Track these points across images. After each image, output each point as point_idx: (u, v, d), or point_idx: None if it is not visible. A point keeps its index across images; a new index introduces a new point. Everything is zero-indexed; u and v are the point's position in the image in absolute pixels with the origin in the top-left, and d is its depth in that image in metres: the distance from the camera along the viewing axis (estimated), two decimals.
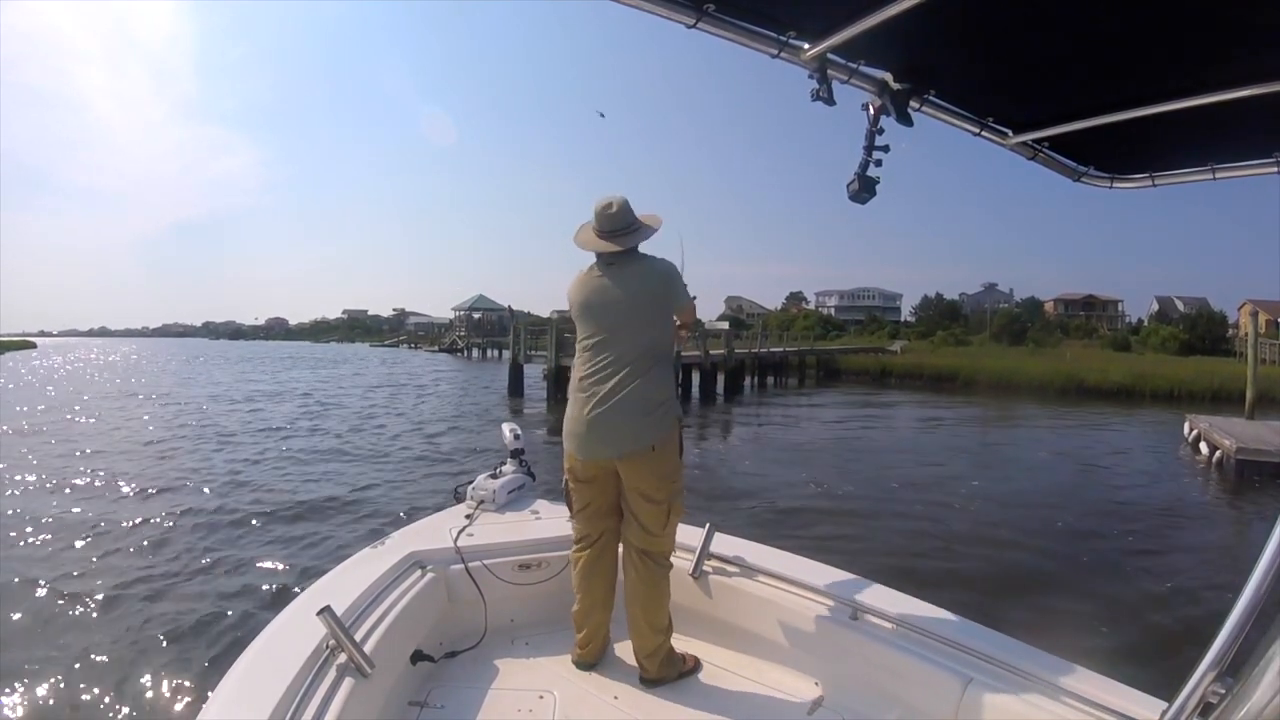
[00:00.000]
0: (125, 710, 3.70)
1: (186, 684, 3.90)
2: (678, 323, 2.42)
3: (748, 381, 27.89)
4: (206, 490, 8.87)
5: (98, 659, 4.20)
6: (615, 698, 2.12)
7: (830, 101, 1.62)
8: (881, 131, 1.80)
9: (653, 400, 2.18)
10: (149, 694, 3.83)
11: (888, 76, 1.69)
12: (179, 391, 24.90)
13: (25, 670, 4.06)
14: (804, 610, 2.21)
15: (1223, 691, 0.93)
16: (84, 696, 3.81)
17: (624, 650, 2.33)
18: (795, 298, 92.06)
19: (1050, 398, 26.33)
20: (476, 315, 63.31)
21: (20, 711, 3.70)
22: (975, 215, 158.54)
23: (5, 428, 14.09)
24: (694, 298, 2.48)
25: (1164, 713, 1.03)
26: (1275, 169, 1.78)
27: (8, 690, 3.85)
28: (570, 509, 2.34)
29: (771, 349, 32.95)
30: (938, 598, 2.23)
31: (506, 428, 3.31)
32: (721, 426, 17.62)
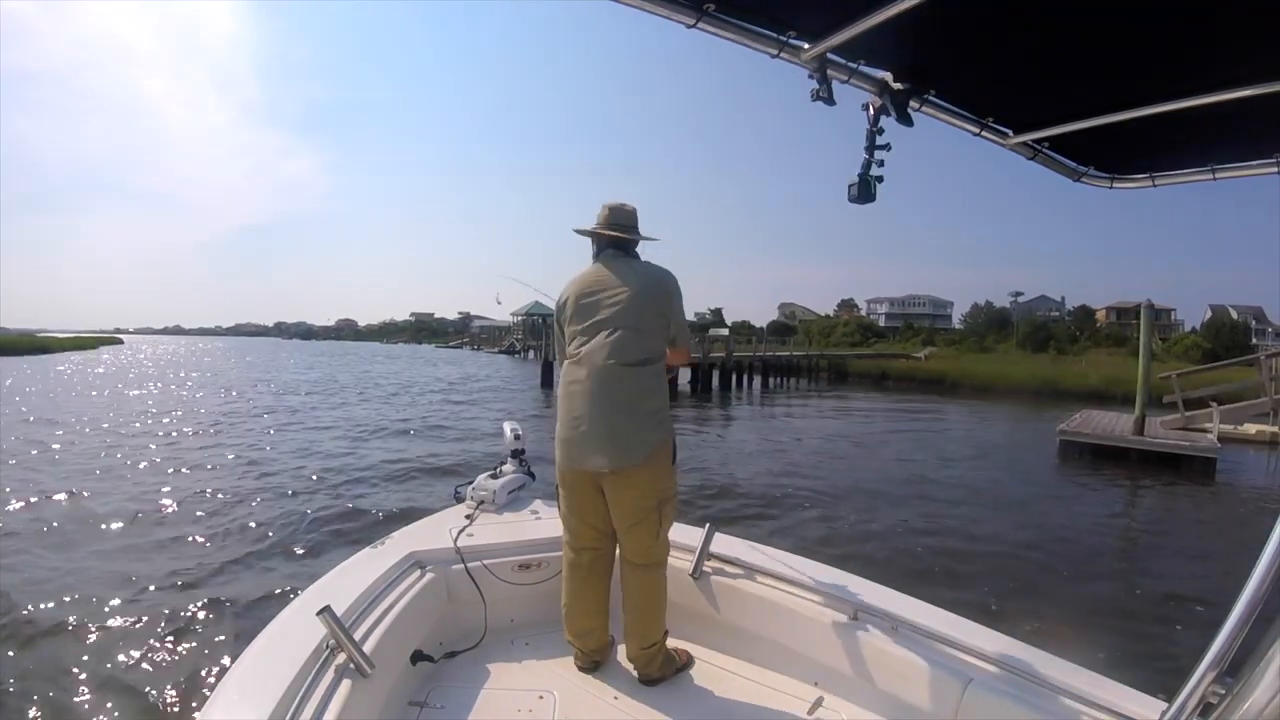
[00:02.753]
0: (125, 710, 3.63)
1: (186, 684, 3.82)
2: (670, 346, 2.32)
3: (748, 381, 30.79)
4: (236, 476, 9.10)
5: (97, 657, 4.12)
6: (615, 698, 2.11)
7: (830, 101, 1.61)
8: (881, 131, 1.79)
9: (647, 408, 2.13)
10: (149, 694, 3.75)
11: (888, 76, 1.69)
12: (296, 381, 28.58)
13: (22, 668, 3.99)
14: (804, 610, 2.19)
15: (1223, 691, 0.93)
16: (83, 696, 3.73)
17: (624, 651, 2.31)
18: (846, 304, 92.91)
19: (1023, 398, 28.01)
20: (536, 320, 67.37)
21: (17, 711, 3.62)
22: (1040, 221, 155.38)
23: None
24: (692, 338, 2.32)
25: (1164, 713, 1.01)
26: (1275, 169, 1.78)
27: (5, 688, 3.79)
28: (561, 515, 2.30)
29: (777, 353, 36.55)
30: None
31: (507, 427, 3.27)
32: (714, 418, 19.39)
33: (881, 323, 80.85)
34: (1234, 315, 63.82)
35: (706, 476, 9.86)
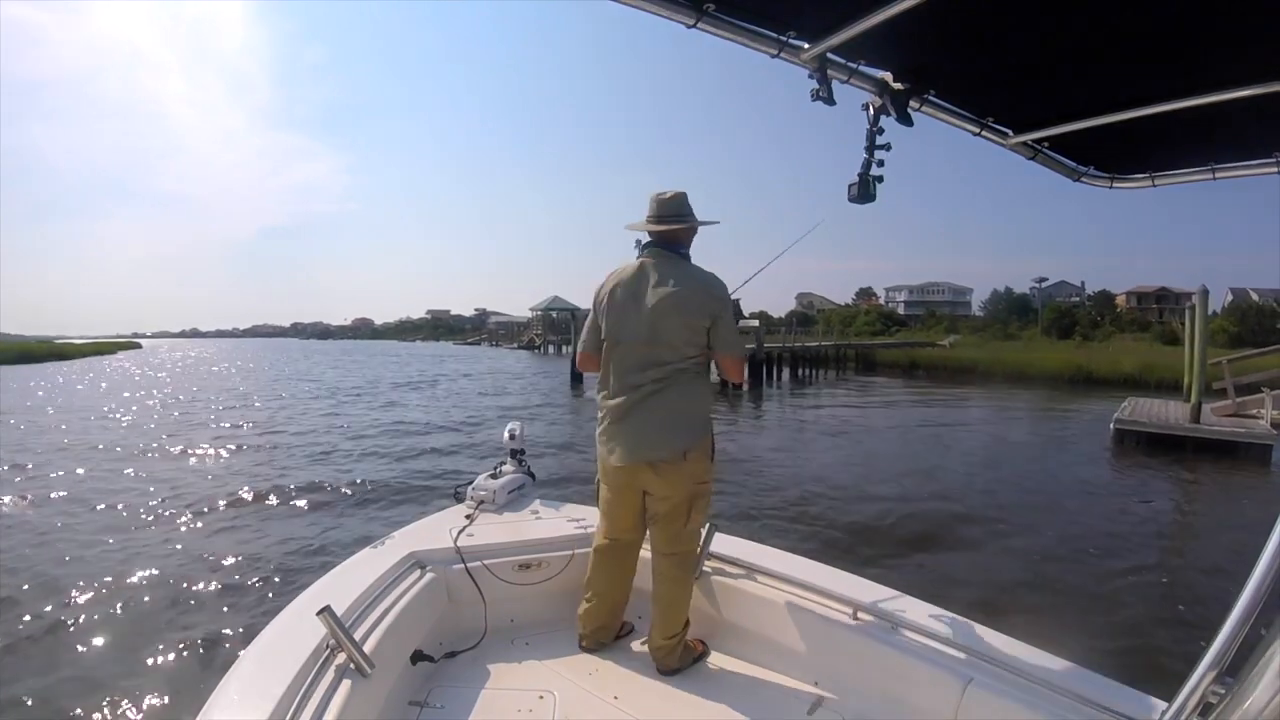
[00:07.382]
0: (124, 710, 3.62)
1: (187, 684, 3.81)
2: (714, 351, 2.23)
3: (777, 373, 30.65)
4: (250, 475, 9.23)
5: (98, 658, 4.13)
6: (615, 698, 2.10)
7: (830, 101, 1.61)
8: (881, 131, 1.79)
9: (688, 411, 2.16)
10: (149, 694, 3.74)
11: (888, 76, 1.69)
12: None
13: (23, 665, 3.99)
14: (804, 610, 2.19)
15: (1223, 691, 0.92)
16: (83, 697, 3.72)
17: (625, 650, 2.34)
18: (865, 293, 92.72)
19: (1059, 386, 27.69)
20: (554, 314, 67.14)
21: (16, 711, 3.62)
22: (1051, 207, 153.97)
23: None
24: (746, 347, 2.46)
25: (1164, 713, 1.00)
26: (1275, 169, 1.78)
27: (4, 687, 3.77)
28: (599, 507, 2.35)
29: (806, 344, 36.25)
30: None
31: (506, 427, 3.27)
32: (747, 414, 19.26)
33: (901, 310, 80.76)
34: (1256, 299, 62.92)
35: (751, 494, 8.92)
